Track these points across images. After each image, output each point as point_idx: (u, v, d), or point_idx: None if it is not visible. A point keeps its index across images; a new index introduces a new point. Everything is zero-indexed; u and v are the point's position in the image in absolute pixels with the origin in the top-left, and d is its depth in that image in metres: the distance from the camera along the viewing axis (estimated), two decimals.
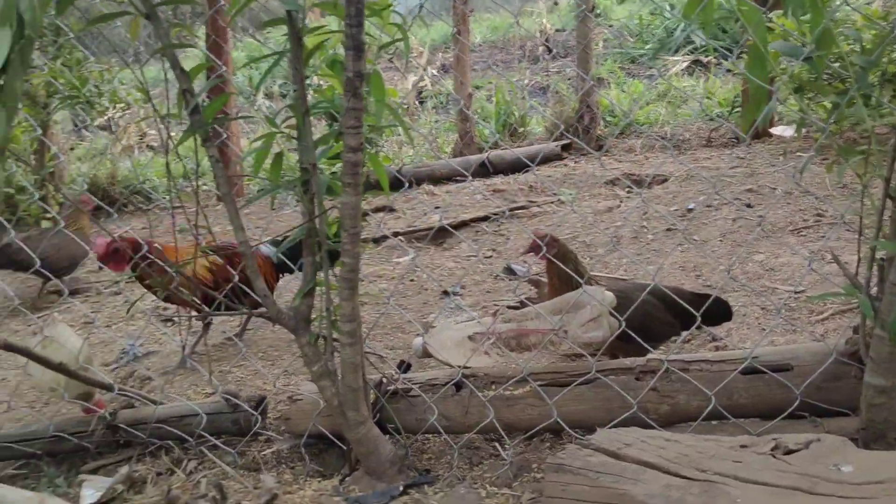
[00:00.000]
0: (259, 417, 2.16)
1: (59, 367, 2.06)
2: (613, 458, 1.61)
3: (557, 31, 10.85)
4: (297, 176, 1.88)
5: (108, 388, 2.21)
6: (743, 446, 1.60)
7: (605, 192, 4.38)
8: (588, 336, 1.94)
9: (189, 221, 1.84)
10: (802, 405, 1.76)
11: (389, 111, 1.90)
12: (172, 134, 1.89)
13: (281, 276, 2.88)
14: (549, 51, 9.96)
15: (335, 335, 1.91)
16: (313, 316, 1.93)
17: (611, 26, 9.52)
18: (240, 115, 3.78)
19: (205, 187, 6.00)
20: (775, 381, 1.78)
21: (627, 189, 4.38)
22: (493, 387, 2.01)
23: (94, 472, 2.13)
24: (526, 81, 8.79)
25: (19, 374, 2.95)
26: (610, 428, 1.79)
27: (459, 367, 2.05)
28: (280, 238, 2.78)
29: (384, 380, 2.10)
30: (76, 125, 7.58)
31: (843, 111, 1.69)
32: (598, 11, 9.51)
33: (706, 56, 7.41)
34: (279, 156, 1.97)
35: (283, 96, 8.64)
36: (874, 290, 1.60)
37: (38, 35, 1.43)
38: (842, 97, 1.68)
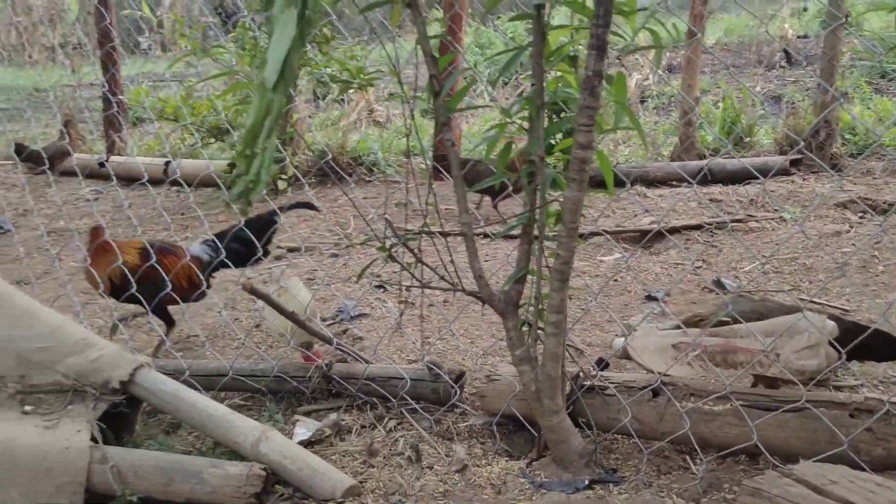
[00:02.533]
0: (458, 390, 2.28)
1: (291, 316, 2.29)
2: (815, 493, 1.54)
3: (800, 37, 10.16)
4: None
5: (329, 341, 2.42)
6: None
7: (834, 215, 4.08)
8: (801, 364, 1.86)
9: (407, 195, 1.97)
10: None
11: (627, 114, 1.93)
12: (401, 112, 2.02)
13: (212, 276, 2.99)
14: (789, 58, 9.36)
15: (540, 324, 1.98)
16: (521, 302, 2.01)
17: (861, 36, 8.77)
18: (476, 104, 3.94)
19: (421, 165, 6.30)
20: None
21: (861, 214, 4.06)
22: (692, 399, 1.99)
23: (307, 414, 2.36)
24: (758, 88, 8.33)
25: (251, 316, 3.31)
26: (814, 461, 1.71)
27: (660, 373, 2.04)
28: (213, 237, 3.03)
29: (581, 374, 2.13)
30: (316, 96, 8.17)
31: None
32: (850, 20, 8.78)
33: None
34: (509, 145, 2.05)
35: (506, 83, 8.80)
36: None
37: (317, 16, 1.60)
38: None
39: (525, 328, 2.00)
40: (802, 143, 4.61)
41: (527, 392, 1.98)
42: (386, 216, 2.06)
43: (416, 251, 2.04)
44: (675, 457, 2.05)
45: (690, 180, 3.70)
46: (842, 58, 8.01)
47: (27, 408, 1.97)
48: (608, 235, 4.12)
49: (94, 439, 1.89)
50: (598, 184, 2.06)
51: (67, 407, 1.97)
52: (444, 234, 2.03)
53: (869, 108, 6.06)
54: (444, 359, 2.70)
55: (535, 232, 1.95)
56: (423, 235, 2.04)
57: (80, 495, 1.80)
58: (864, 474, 1.60)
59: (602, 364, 2.20)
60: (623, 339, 2.25)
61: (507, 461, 2.07)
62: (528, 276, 2.00)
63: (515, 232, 2.02)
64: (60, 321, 2.12)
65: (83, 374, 2.02)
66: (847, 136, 5.22)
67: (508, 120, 1.96)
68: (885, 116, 5.66)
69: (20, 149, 6.42)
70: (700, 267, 3.48)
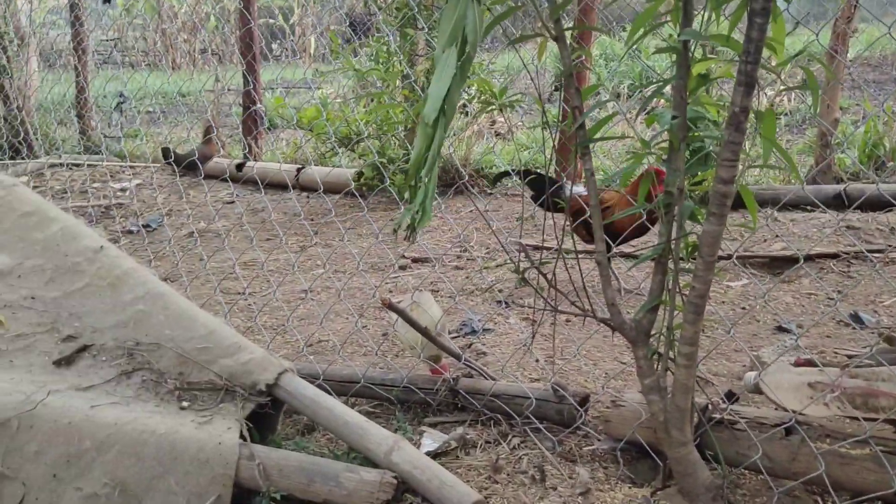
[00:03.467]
0: (582, 413, 2.31)
1: (424, 331, 2.38)
2: None
3: None
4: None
5: (457, 356, 2.51)
6: None
7: None
8: None
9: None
10: None
11: (778, 150, 1.92)
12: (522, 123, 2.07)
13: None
14: None
15: (671, 354, 1.98)
16: (653, 332, 2.02)
17: None
18: (610, 135, 3.96)
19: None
20: None
21: None
22: (828, 440, 1.94)
23: (433, 426, 2.45)
24: None
25: (378, 324, 3.44)
26: None
27: (794, 411, 2.00)
28: None
29: (710, 406, 2.12)
30: None
31: None
32: None
33: None
34: (648, 175, 2.07)
35: (630, 96, 8.70)
36: None
37: (475, 52, 1.68)
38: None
39: (655, 357, 2.01)
40: None
41: (655, 422, 1.99)
42: (521, 241, 2.12)
43: (548, 276, 2.09)
44: (806, 497, 2.02)
45: (818, 203, 3.58)
46: None
47: (184, 404, 2.14)
48: (736, 261, 4.03)
49: (242, 437, 2.04)
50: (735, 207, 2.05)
51: (219, 405, 2.14)
52: (578, 254, 2.06)
53: None
54: (566, 379, 2.73)
55: (671, 263, 1.96)
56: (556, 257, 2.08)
57: (229, 488, 1.94)
58: None
59: (732, 398, 2.17)
60: (755, 373, 2.21)
61: (629, 488, 2.09)
62: (662, 307, 2.01)
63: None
64: (216, 324, 2.30)
65: (235, 375, 2.18)
66: None
67: (647, 151, 1.98)
68: None
69: (166, 152, 6.89)
70: (833, 299, 3.35)
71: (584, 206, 3.09)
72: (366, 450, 2.11)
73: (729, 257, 4.13)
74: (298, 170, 6.19)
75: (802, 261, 2.46)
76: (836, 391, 1.94)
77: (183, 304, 2.37)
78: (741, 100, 1.73)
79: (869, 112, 5.56)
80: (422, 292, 2.58)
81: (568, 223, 2.25)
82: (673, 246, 1.95)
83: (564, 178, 4.03)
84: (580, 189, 3.34)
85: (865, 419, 1.86)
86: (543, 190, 3.64)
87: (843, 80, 6.83)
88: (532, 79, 2.19)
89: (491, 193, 5.85)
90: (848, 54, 10.35)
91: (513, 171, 3.98)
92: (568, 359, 2.89)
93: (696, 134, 1.94)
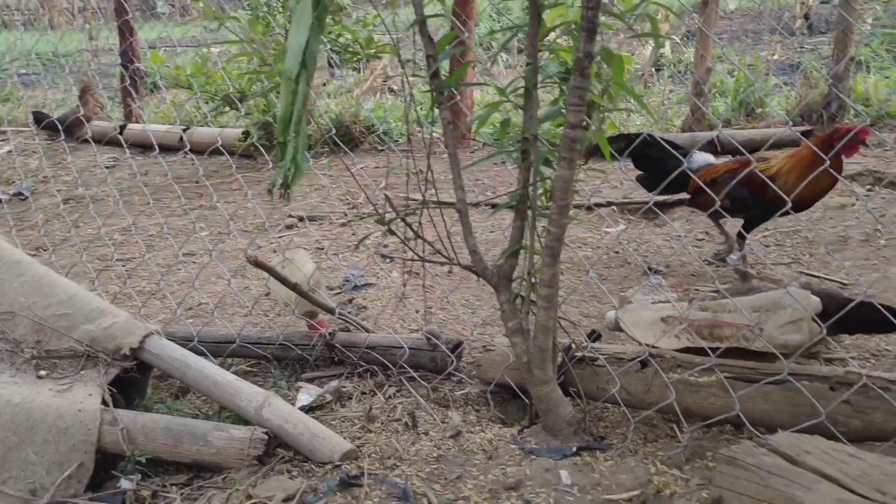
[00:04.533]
0: (454, 360, 2.36)
1: (294, 287, 2.37)
2: (789, 463, 1.61)
3: (822, 2, 9.99)
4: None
5: (331, 311, 2.51)
6: None
7: (842, 188, 4.08)
8: (785, 338, 1.91)
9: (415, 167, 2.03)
10: None
11: (627, 92, 1.97)
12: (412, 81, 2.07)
13: None
14: (809, 25, 9.24)
15: (532, 297, 2.04)
16: (515, 276, 2.08)
17: (886, 2, 8.61)
18: (475, 81, 3.98)
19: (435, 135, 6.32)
20: None
21: (868, 187, 4.07)
22: (679, 370, 2.05)
23: (310, 381, 2.45)
24: (776, 57, 8.23)
25: (260, 285, 3.40)
26: (792, 432, 1.77)
27: (648, 345, 2.10)
28: None
29: (573, 346, 2.20)
30: (331, 63, 8.19)
31: None
32: None
33: None
34: (506, 122, 2.11)
35: (521, 51, 8.77)
36: None
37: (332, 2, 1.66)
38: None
39: (518, 301, 2.07)
40: (806, 114, 4.60)
41: (519, 362, 2.06)
42: (385, 191, 2.13)
43: (414, 226, 2.11)
44: (663, 426, 2.13)
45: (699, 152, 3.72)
46: (864, 24, 7.91)
47: (42, 372, 2.07)
48: (614, 207, 4.17)
49: (105, 402, 1.99)
50: (595, 151, 2.12)
51: (80, 372, 2.08)
52: (441, 206, 2.08)
53: (887, 78, 6.00)
54: (445, 329, 2.78)
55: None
56: (427, 208, 2.10)
57: (91, 455, 1.90)
58: (838, 445, 1.66)
59: (594, 336, 2.26)
60: (615, 311, 2.31)
61: (499, 428, 2.16)
62: (522, 251, 2.06)
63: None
64: (77, 290, 2.22)
65: (96, 340, 2.12)
66: (861, 108, 5.19)
67: (503, 99, 2.01)
68: None
69: (39, 117, 6.52)
70: (702, 239, 3.52)
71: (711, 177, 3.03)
72: (237, 408, 2.10)
73: (609, 204, 4.28)
74: (184, 130, 5.98)
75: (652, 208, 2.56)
76: (683, 323, 2.04)
77: (41, 271, 2.27)
78: (584, 45, 1.76)
79: (741, 60, 5.79)
80: (295, 249, 2.56)
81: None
82: (530, 192, 2.00)
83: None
84: (705, 157, 3.21)
85: (711, 348, 1.97)
86: (663, 164, 3.06)
87: (721, 29, 7.06)
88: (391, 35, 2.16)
89: (381, 150, 5.82)
90: (730, 5, 10.67)
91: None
92: (447, 308, 2.94)
93: (546, 81, 1.98)
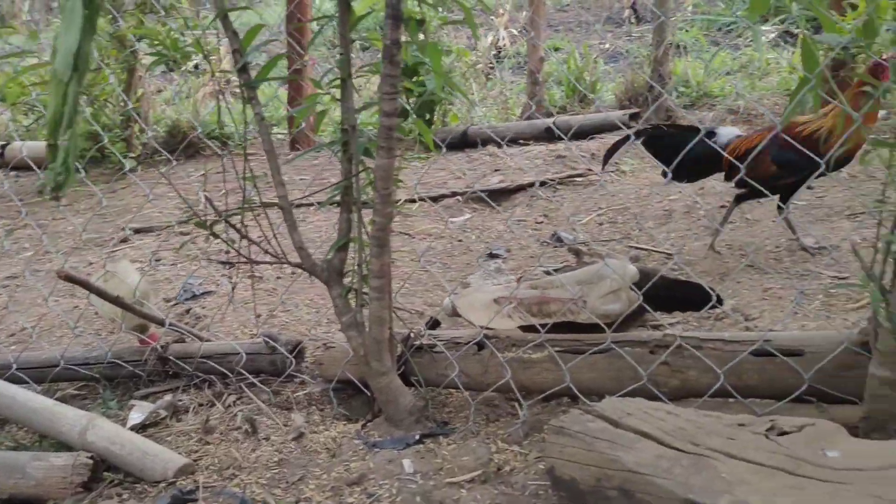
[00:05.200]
0: (293, 360, 2.31)
1: (116, 300, 2.24)
2: (613, 426, 1.67)
3: None
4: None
5: (160, 322, 2.39)
6: (741, 425, 1.65)
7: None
8: (605, 308, 2.00)
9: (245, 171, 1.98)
10: (811, 390, 1.78)
11: (445, 80, 1.98)
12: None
13: None
14: (637, 14, 9.74)
15: (366, 289, 2.03)
16: (347, 270, 2.05)
17: None
18: (289, 75, 3.93)
19: (280, 136, 6.21)
20: (786, 364, 1.81)
21: None
22: (514, 349, 2.10)
23: (144, 398, 2.33)
24: (607, 46, 8.63)
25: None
26: (618, 397, 1.85)
27: (483, 327, 2.14)
28: None
29: (411, 334, 2.21)
30: (170, 67, 7.85)
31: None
32: None
33: (797, 28, 7.12)
34: (322, 114, 2.08)
35: (365, 49, 8.75)
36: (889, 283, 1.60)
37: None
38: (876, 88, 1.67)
39: (351, 295, 2.04)
40: (633, 97, 4.85)
41: (356, 356, 2.04)
42: (206, 193, 2.05)
43: (239, 226, 2.05)
44: (505, 405, 2.17)
45: (531, 136, 3.85)
46: (683, 12, 8.43)
47: None
48: (458, 197, 4.23)
49: None
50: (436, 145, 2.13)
51: None
52: (264, 206, 2.03)
53: (700, 59, 6.42)
54: (289, 330, 2.72)
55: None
56: (251, 209, 2.04)
57: None
58: (657, 404, 1.74)
59: (432, 323, 2.28)
60: (450, 297, 2.34)
61: (344, 425, 2.13)
62: (353, 244, 2.04)
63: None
64: None
65: None
66: (681, 89, 5.52)
67: (319, 91, 1.98)
68: (715, 68, 6.02)
69: None
70: (541, 222, 3.63)
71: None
72: (59, 434, 1.97)
73: (453, 195, 4.34)
74: (3, 146, 5.57)
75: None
76: (513, 303, 2.09)
77: None
78: (391, 32, 1.76)
79: (571, 49, 6.03)
80: (118, 260, 2.42)
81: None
82: (354, 183, 1.98)
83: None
84: (731, 131, 3.02)
85: (541, 324, 2.03)
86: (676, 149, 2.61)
87: (557, 19, 7.31)
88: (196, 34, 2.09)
89: (222, 155, 5.63)
90: None
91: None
92: (290, 310, 2.88)
93: (360, 70, 1.97)
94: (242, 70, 1.88)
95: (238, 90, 7.44)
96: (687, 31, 7.74)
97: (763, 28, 6.98)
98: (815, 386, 1.77)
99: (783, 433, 1.58)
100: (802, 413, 1.76)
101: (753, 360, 1.84)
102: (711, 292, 1.90)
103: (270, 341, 2.32)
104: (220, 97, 2.19)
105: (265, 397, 2.27)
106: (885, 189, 1.62)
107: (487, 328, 2.14)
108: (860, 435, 1.67)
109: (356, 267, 2.03)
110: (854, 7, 2.38)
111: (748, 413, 1.79)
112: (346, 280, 2.05)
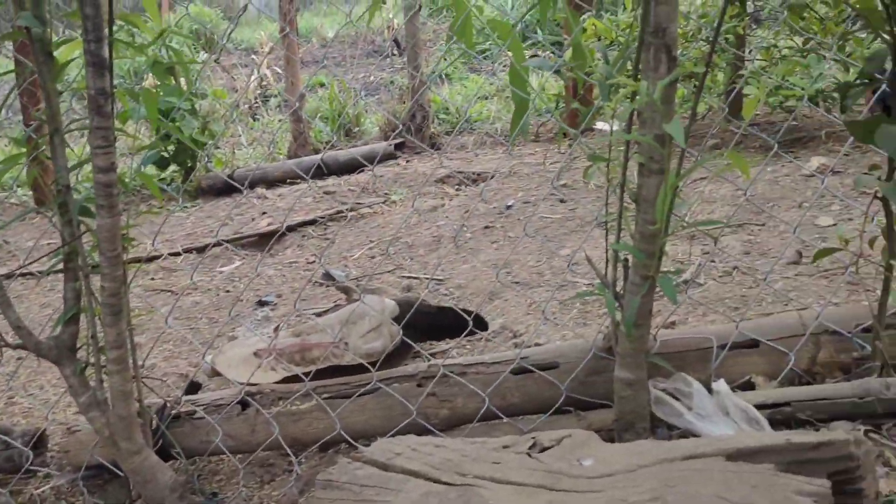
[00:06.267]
0: (30, 454, 2.04)
1: None
2: (382, 470, 1.62)
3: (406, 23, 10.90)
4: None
5: None
6: (505, 447, 1.65)
7: (435, 191, 4.43)
8: (368, 347, 1.95)
9: None
10: (570, 401, 1.84)
11: (170, 128, 1.85)
12: None
13: None
14: (399, 46, 10.00)
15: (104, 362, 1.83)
16: (80, 344, 1.85)
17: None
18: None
19: (25, 197, 5.65)
20: (543, 379, 1.85)
21: (456, 186, 4.46)
22: (280, 402, 1.99)
23: None
24: (371, 78, 8.78)
25: None
26: (390, 436, 1.80)
27: (242, 384, 2.01)
28: None
29: (167, 403, 2.03)
30: None
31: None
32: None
33: (544, 51, 7.65)
34: (30, 174, 1.87)
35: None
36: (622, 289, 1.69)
37: None
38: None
39: (88, 371, 1.84)
40: (396, 127, 4.94)
41: (102, 438, 1.83)
42: None
43: None
44: (281, 462, 2.05)
45: (304, 176, 3.75)
46: (440, 42, 8.77)
47: None
48: (227, 244, 4.04)
49: None
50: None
51: None
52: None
53: (459, 85, 6.69)
54: (32, 417, 2.42)
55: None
56: None
57: None
58: (425, 438, 1.71)
59: (190, 387, 2.11)
60: (210, 356, 2.19)
61: None
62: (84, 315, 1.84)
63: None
64: None
65: None
66: (442, 116, 5.70)
67: (21, 151, 1.77)
68: (471, 94, 6.29)
69: None
70: (312, 262, 3.55)
71: None
72: None
73: (219, 243, 4.13)
74: None
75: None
76: (273, 354, 1.99)
77: None
78: (94, 81, 1.61)
79: (331, 84, 6.03)
80: None
81: None
82: (78, 247, 1.79)
83: None
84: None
85: (305, 373, 1.94)
86: None
87: (322, 55, 7.27)
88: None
89: None
90: (329, 33, 11.13)
91: None
92: (34, 393, 2.57)
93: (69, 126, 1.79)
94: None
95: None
96: (445, 59, 8.05)
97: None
98: (573, 395, 1.83)
99: (544, 449, 1.60)
100: (563, 424, 1.81)
101: (514, 378, 1.87)
102: (466, 316, 1.92)
103: (2, 435, 2.03)
104: None
105: (4, 500, 1.99)
106: (606, 202, 1.72)
107: (250, 384, 2.01)
108: (615, 437, 1.75)
109: (90, 339, 1.83)
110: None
111: (515, 433, 1.81)
112: (81, 355, 1.84)
